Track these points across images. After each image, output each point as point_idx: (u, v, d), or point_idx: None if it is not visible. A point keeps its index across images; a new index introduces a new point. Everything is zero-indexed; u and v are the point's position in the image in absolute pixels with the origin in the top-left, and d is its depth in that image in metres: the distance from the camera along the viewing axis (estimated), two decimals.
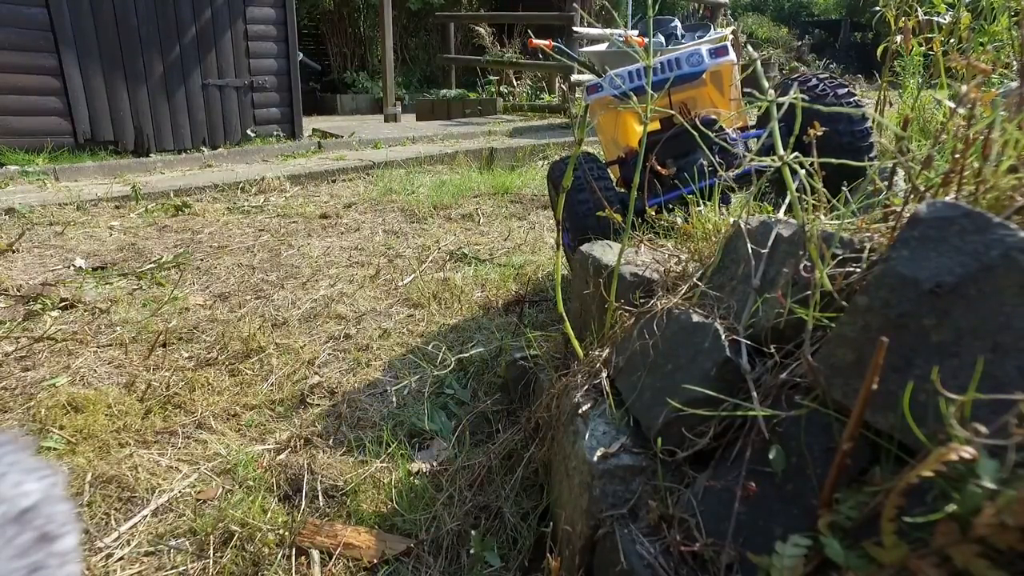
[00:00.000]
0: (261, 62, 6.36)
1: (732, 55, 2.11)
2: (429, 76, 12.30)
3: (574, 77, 8.26)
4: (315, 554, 1.43)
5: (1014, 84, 1.40)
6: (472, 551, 1.42)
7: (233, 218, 4.13)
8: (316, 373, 2.22)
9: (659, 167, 1.97)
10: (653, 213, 1.73)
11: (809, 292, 0.92)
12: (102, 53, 5.36)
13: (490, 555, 1.41)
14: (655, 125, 2.37)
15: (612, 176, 2.36)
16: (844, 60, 14.81)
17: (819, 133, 1.03)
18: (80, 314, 2.60)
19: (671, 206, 2.04)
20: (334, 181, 5.26)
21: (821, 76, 2.17)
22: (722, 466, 0.99)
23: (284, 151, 6.06)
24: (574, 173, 2.07)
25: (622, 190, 2.37)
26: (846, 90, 2.11)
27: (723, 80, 2.28)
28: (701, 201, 1.65)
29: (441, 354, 2.32)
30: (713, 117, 2.18)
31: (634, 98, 2.02)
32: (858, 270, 0.96)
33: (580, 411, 1.27)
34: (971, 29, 1.84)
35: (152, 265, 3.18)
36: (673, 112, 2.06)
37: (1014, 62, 1.72)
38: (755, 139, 2.32)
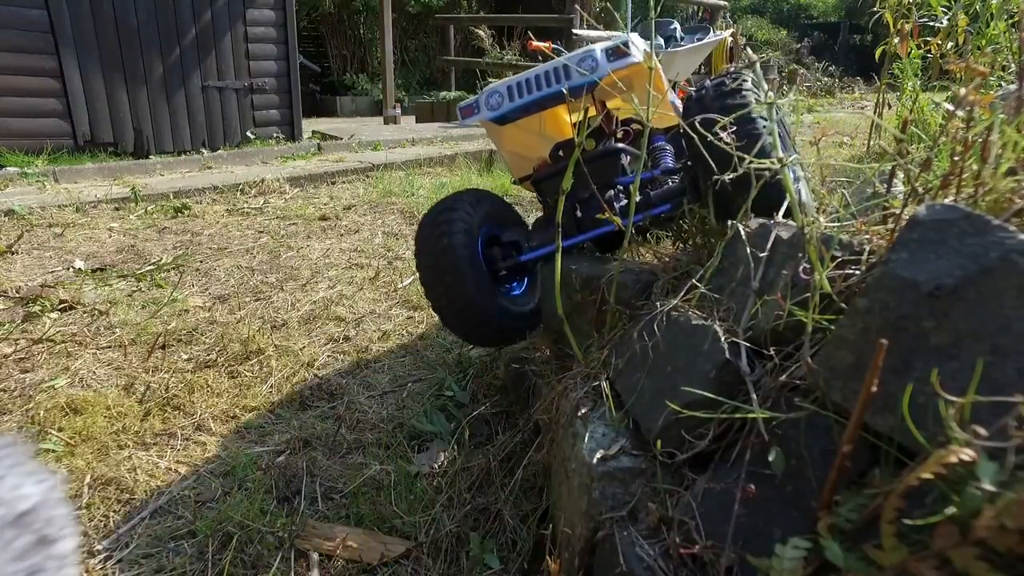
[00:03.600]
0: (261, 64, 6.36)
1: (635, 55, 1.72)
2: (429, 78, 12.31)
3: None
4: (314, 556, 1.43)
5: (1012, 87, 1.40)
6: (471, 553, 1.42)
7: (232, 220, 4.13)
8: (315, 375, 2.21)
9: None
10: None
11: (808, 294, 0.92)
12: (102, 55, 5.37)
13: (489, 557, 1.41)
14: (568, 132, 2.00)
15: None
16: (843, 62, 14.83)
17: (826, 135, 1.03)
18: (79, 316, 2.60)
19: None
20: (333, 183, 5.26)
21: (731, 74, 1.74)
22: (722, 468, 0.99)
23: (284, 153, 6.06)
24: (439, 219, 1.77)
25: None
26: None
27: (634, 82, 1.83)
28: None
29: (440, 356, 2.32)
30: (619, 147, 1.84)
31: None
32: (857, 272, 0.96)
33: (579, 413, 1.27)
34: (968, 32, 1.84)
35: (151, 267, 3.17)
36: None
37: (1012, 65, 1.73)
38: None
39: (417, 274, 1.84)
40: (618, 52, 1.71)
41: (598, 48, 1.72)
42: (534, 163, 2.06)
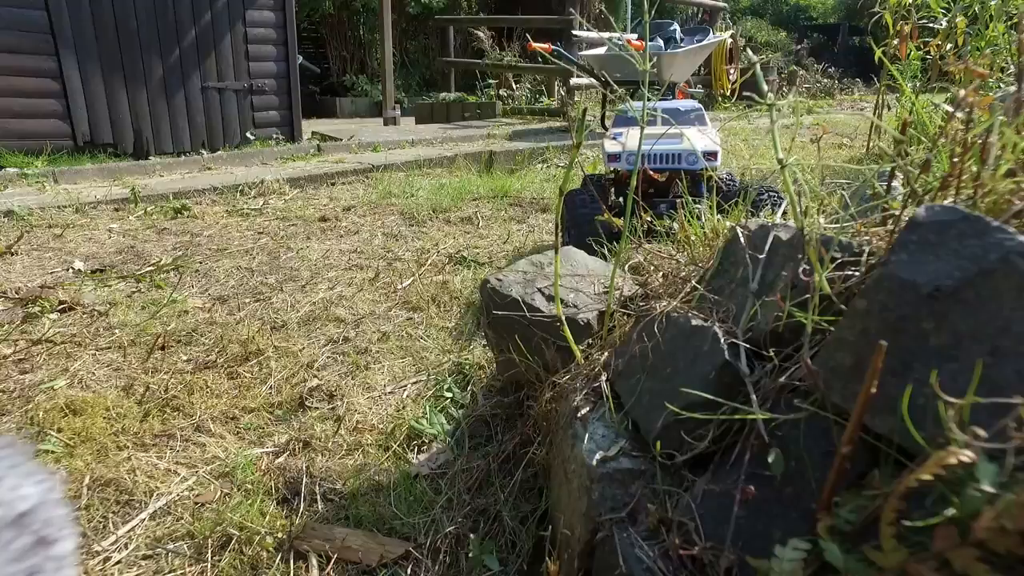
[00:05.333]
0: (261, 65, 6.37)
1: (719, 159, 2.71)
2: (428, 79, 12.32)
3: (573, 81, 8.28)
4: (313, 558, 1.43)
5: (1011, 88, 1.40)
6: (471, 554, 1.42)
7: (232, 221, 4.13)
8: (315, 376, 2.21)
9: (650, 172, 2.49)
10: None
11: (808, 296, 0.92)
12: (102, 56, 5.37)
13: (489, 559, 1.41)
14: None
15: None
16: (843, 64, 14.85)
17: (826, 133, 1.03)
18: (79, 317, 2.60)
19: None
20: (333, 184, 5.26)
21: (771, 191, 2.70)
22: (721, 470, 0.99)
23: (283, 154, 6.06)
24: (579, 196, 2.73)
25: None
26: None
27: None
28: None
29: (440, 357, 2.32)
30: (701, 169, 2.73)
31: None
32: (857, 274, 0.96)
33: (579, 414, 1.27)
34: (967, 33, 1.84)
35: (151, 268, 3.17)
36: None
37: (1011, 66, 1.73)
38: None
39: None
40: (713, 156, 2.67)
41: (700, 150, 2.60)
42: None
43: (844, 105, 10.79)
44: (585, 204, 2.71)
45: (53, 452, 1.74)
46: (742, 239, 1.19)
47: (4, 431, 1.84)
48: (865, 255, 0.97)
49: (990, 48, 1.83)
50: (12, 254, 3.30)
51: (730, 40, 9.91)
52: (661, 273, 1.52)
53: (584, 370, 1.42)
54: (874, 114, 2.19)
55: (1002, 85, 1.71)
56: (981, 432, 0.64)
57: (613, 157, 2.77)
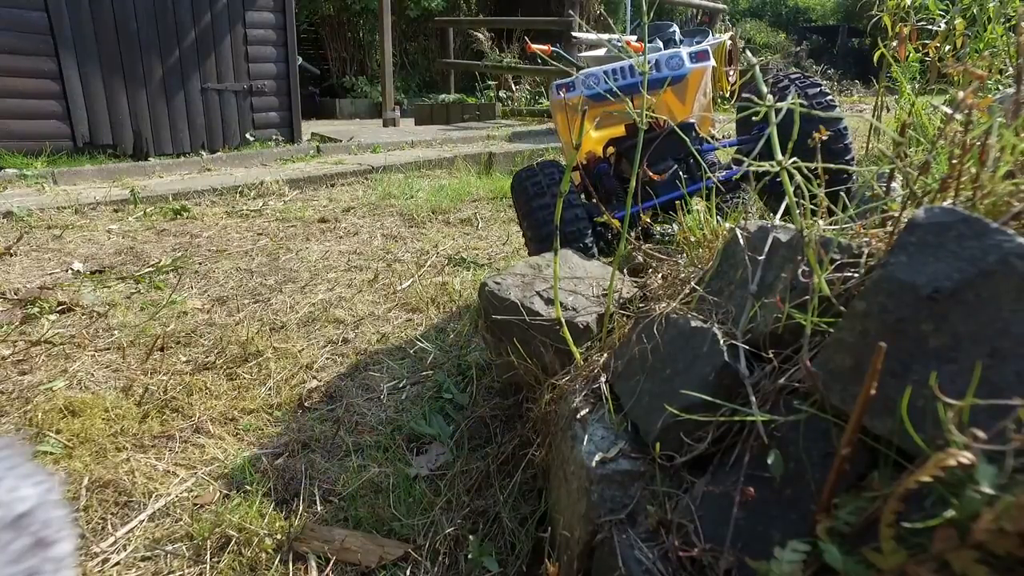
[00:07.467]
0: (260, 66, 6.37)
1: (712, 60, 2.10)
2: (428, 81, 12.34)
3: None
4: (312, 559, 1.43)
5: (1010, 90, 1.40)
6: (470, 556, 1.42)
7: (232, 222, 4.13)
8: (314, 377, 2.21)
9: (649, 172, 2.02)
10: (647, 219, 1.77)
11: (807, 297, 0.92)
12: (101, 57, 5.37)
13: (488, 560, 1.41)
14: (619, 131, 2.29)
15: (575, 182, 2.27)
16: (842, 65, 14.86)
17: (824, 138, 1.03)
18: (78, 318, 2.60)
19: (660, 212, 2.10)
20: (333, 185, 5.26)
21: (792, 75, 2.08)
22: (720, 471, 0.99)
23: (283, 155, 6.06)
24: (532, 180, 2.10)
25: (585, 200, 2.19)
26: (818, 89, 1.99)
27: (688, 86, 2.14)
28: (680, 210, 1.68)
29: (439, 359, 2.32)
30: (691, 122, 2.09)
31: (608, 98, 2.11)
32: (856, 275, 0.96)
33: (579, 416, 1.27)
34: (966, 35, 1.85)
35: (150, 269, 3.17)
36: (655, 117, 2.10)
37: (1009, 68, 1.73)
38: (727, 148, 2.27)
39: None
40: (700, 56, 2.09)
41: (684, 51, 2.08)
42: (576, 156, 2.49)
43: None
44: (541, 197, 2.10)
45: (52, 453, 1.74)
46: (741, 240, 1.19)
47: (3, 432, 1.84)
48: (864, 257, 0.97)
49: (989, 50, 1.83)
50: (11, 255, 3.30)
51: (729, 42, 9.92)
52: (660, 275, 1.52)
53: (583, 372, 1.42)
54: (873, 116, 2.19)
55: (1001, 87, 1.71)
56: (980, 434, 0.64)
57: (565, 87, 2.22)
